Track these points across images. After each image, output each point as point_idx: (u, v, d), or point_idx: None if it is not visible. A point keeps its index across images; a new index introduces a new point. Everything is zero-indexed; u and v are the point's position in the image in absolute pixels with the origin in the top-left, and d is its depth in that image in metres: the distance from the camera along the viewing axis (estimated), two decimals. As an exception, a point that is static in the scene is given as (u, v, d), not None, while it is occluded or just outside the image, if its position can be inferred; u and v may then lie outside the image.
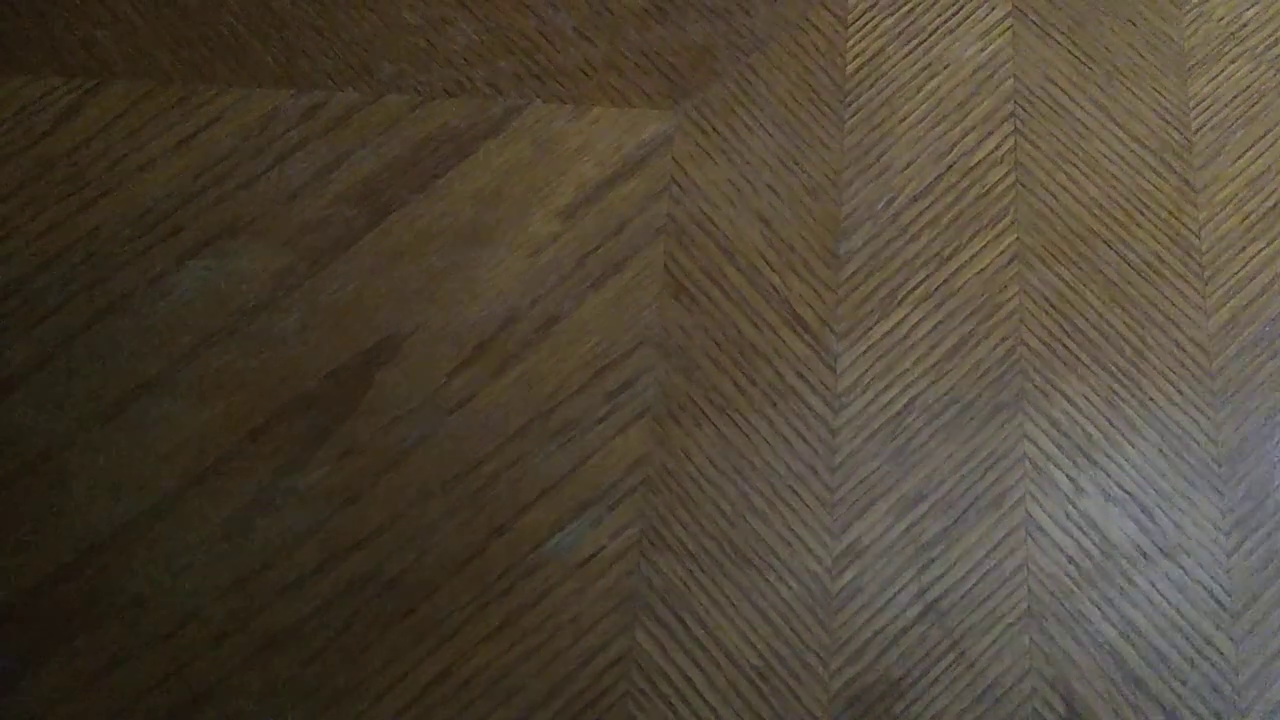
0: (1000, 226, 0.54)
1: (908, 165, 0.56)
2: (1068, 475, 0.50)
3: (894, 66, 0.57)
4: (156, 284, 0.54)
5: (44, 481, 0.50)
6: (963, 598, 0.48)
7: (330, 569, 0.49)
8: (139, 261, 0.54)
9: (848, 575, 0.49)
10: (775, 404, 0.52)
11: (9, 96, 0.57)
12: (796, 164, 0.56)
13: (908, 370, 0.52)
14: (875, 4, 0.58)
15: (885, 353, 0.52)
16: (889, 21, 0.58)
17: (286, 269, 0.54)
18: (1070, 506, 0.50)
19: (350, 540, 0.49)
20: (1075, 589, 0.48)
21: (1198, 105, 0.56)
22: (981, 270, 0.54)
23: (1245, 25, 0.58)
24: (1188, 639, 0.48)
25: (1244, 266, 0.53)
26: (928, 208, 0.55)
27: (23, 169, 0.56)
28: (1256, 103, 0.56)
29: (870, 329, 0.53)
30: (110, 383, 0.52)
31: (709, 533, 0.50)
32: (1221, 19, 0.58)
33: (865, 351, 0.52)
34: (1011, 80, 0.57)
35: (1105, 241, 0.54)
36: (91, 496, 0.50)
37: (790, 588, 0.49)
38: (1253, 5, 0.58)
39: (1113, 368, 0.52)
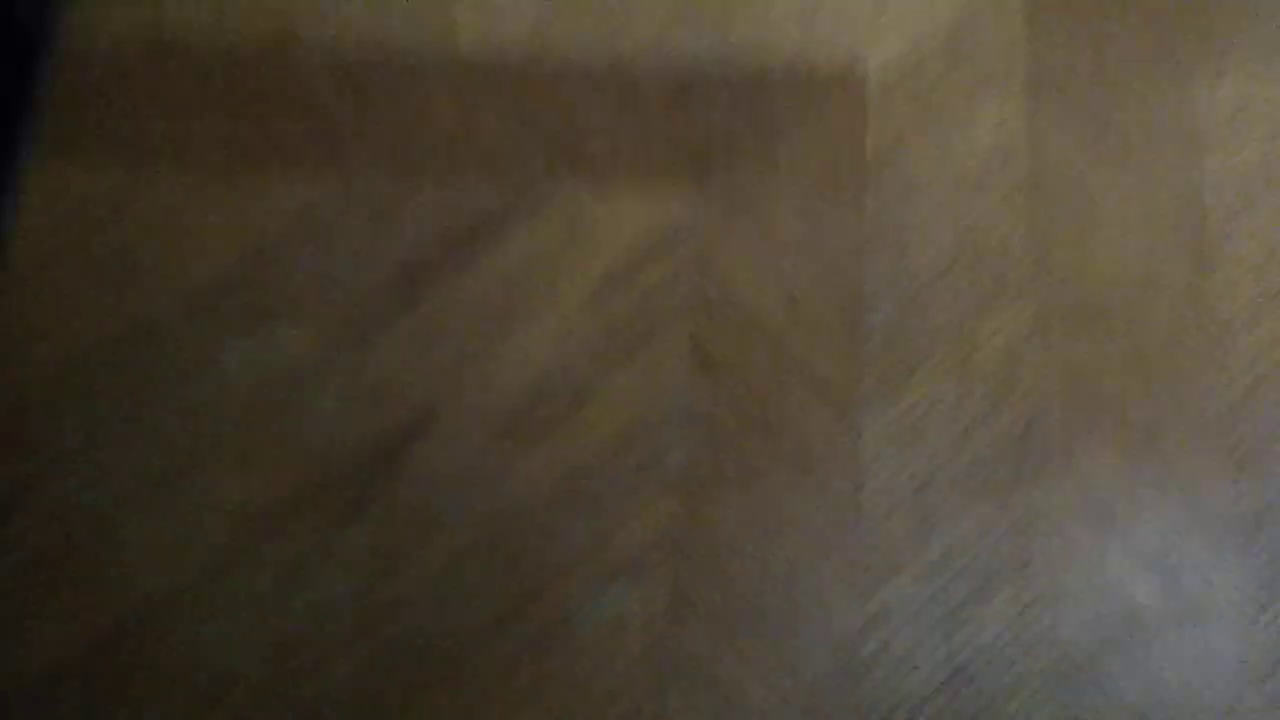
0: (1020, 300, 0.56)
1: (928, 241, 0.57)
2: (1092, 540, 0.51)
3: (913, 146, 0.59)
4: (203, 362, 0.56)
5: (94, 550, 0.52)
6: (990, 662, 0.49)
7: (367, 635, 0.50)
8: (186, 342, 0.56)
9: (876, 639, 0.49)
10: (802, 473, 0.53)
11: (69, 187, 0.60)
12: (819, 242, 0.57)
13: (931, 439, 0.53)
14: (894, 87, 0.61)
15: (909, 423, 0.53)
16: (907, 104, 0.60)
17: (327, 347, 0.56)
18: (1095, 571, 0.50)
19: (386, 607, 0.51)
20: (1102, 652, 0.49)
21: (1211, 181, 0.58)
22: (1002, 342, 0.55)
23: (1253, 103, 0.60)
24: (1215, 702, 0.48)
25: (1262, 336, 0.55)
26: (948, 282, 0.56)
27: (81, 255, 0.58)
28: (1269, 177, 0.58)
29: (894, 399, 0.54)
30: (158, 456, 0.54)
31: (738, 599, 0.50)
32: (1231, 99, 0.60)
33: (889, 422, 0.54)
34: (1027, 161, 0.59)
35: (1124, 314, 0.55)
36: (139, 565, 0.52)
37: (819, 653, 0.49)
38: (1260, 83, 0.60)
39: (1135, 436, 0.53)
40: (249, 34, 0.64)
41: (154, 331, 0.56)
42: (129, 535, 0.52)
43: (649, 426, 0.54)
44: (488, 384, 0.55)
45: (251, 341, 0.56)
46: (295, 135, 0.61)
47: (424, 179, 0.60)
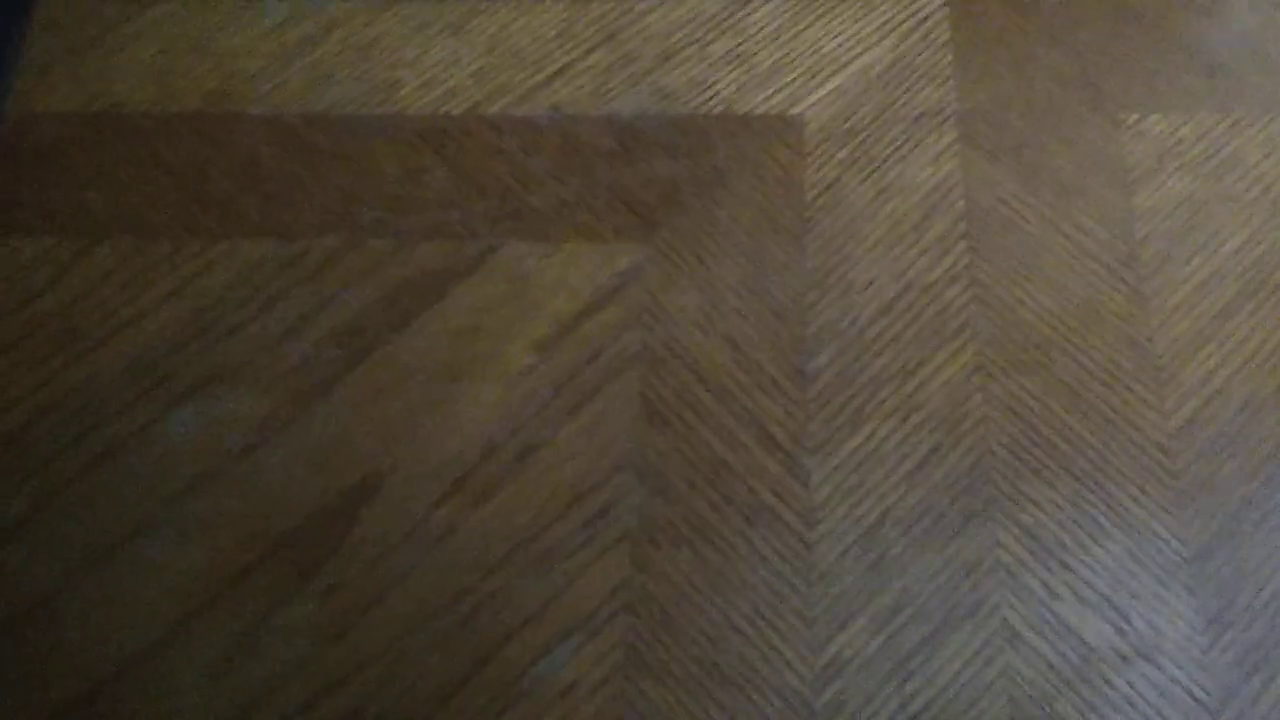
0: (960, 340, 0.56)
1: (868, 285, 0.58)
2: (1041, 580, 0.51)
3: (851, 193, 0.60)
4: (147, 430, 0.55)
5: (38, 626, 0.51)
6: (945, 708, 0.49)
7: (318, 706, 0.49)
8: (130, 409, 0.56)
9: (830, 691, 0.49)
10: (751, 522, 0.53)
11: (6, 257, 0.60)
12: (762, 289, 0.58)
13: (879, 483, 0.53)
14: (830, 136, 0.62)
15: (856, 467, 0.54)
16: (844, 152, 0.61)
17: (272, 411, 0.55)
18: (1046, 612, 0.50)
19: (337, 676, 0.50)
20: (1056, 694, 0.49)
21: (1141, 217, 0.59)
22: (945, 383, 0.55)
23: (1181, 141, 0.61)
24: (1169, 740, 0.48)
25: (1198, 369, 0.55)
26: (889, 325, 0.57)
27: (19, 326, 0.58)
28: (1197, 212, 0.59)
29: (840, 445, 0.54)
30: (102, 528, 0.53)
31: (691, 654, 0.50)
32: (1158, 136, 0.61)
33: (837, 467, 0.54)
34: (963, 201, 0.60)
35: (1063, 350, 0.56)
36: (85, 640, 0.51)
37: (774, 705, 0.49)
38: (1186, 123, 0.61)
39: (1078, 472, 0.53)
40: (191, 100, 0.64)
41: (97, 399, 0.56)
42: (75, 609, 0.52)
43: (598, 481, 0.54)
44: (435, 443, 0.55)
45: (195, 407, 0.56)
46: (238, 198, 0.61)
47: (368, 237, 0.60)
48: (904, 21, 0.65)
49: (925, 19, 0.65)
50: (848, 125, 0.62)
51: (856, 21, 0.65)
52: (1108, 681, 0.49)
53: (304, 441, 0.55)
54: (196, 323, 0.58)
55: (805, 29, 0.65)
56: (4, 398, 0.56)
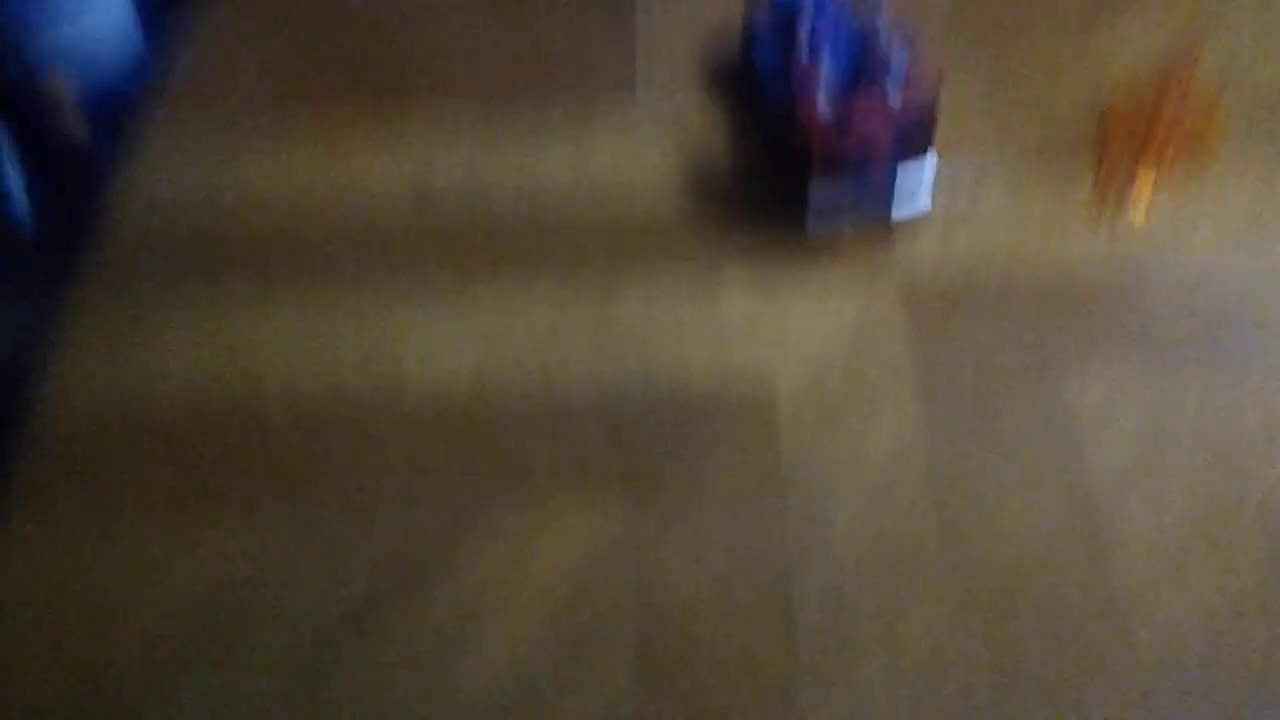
0: (939, 590, 0.59)
1: (849, 541, 0.62)
2: None
3: (823, 457, 0.65)
4: (162, 704, 0.57)
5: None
6: None
7: None
8: (146, 684, 0.57)
9: None
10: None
11: (32, 547, 0.63)
12: (747, 546, 0.62)
13: (867, 732, 0.55)
14: (800, 405, 0.67)
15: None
16: (814, 418, 0.67)
17: (283, 684, 0.57)
18: None
19: None
20: None
21: (1093, 473, 0.63)
22: (927, 632, 0.58)
23: (1119, 403, 0.66)
24: None
25: (1162, 615, 0.58)
26: (871, 579, 0.60)
27: (40, 612, 0.60)
28: (1141, 469, 0.64)
29: (828, 694, 0.56)
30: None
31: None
32: (1099, 399, 0.66)
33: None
34: (927, 459, 0.64)
35: (1036, 600, 0.59)
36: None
37: None
38: (1123, 385, 0.67)
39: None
40: (215, 396, 0.69)
41: (113, 678, 0.57)
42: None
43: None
44: (443, 708, 0.56)
45: (209, 681, 0.57)
46: (257, 485, 0.65)
47: (376, 514, 0.64)
48: (860, 308, 0.72)
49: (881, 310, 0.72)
50: (816, 399, 0.68)
51: (820, 301, 0.72)
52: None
53: (315, 713, 0.56)
54: (213, 601, 0.60)
55: (772, 305, 0.72)
56: (21, 684, 0.57)
